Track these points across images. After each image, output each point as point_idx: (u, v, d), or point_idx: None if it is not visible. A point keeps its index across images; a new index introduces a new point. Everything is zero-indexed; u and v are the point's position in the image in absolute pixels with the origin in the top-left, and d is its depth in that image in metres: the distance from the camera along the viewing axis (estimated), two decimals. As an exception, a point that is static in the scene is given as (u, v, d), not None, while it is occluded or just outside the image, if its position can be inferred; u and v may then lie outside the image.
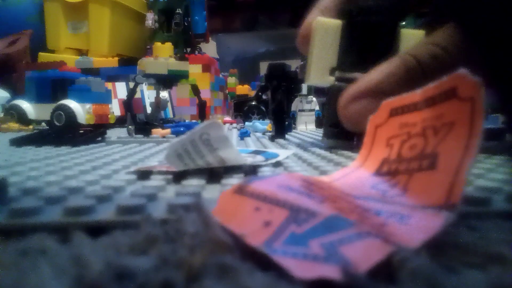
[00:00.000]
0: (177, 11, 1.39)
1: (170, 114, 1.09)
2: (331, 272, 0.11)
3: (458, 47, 0.24)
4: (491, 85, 0.11)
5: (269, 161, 0.29)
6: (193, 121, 0.83)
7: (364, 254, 0.12)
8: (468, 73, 0.17)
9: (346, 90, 0.30)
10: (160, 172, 0.24)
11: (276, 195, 0.16)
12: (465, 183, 0.15)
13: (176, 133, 0.54)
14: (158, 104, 0.77)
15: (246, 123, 0.82)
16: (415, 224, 0.14)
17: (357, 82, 0.30)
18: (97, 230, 0.14)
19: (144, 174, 0.25)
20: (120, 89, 1.00)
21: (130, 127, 0.57)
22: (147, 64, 0.70)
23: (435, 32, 0.27)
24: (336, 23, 0.29)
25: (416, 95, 0.20)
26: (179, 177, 0.23)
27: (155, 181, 0.22)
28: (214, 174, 0.24)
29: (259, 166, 0.27)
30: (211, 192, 0.21)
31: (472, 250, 0.13)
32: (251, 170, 0.27)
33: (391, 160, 0.20)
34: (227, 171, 0.25)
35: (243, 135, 0.57)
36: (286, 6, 1.90)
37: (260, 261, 0.12)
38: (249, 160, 0.29)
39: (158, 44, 0.76)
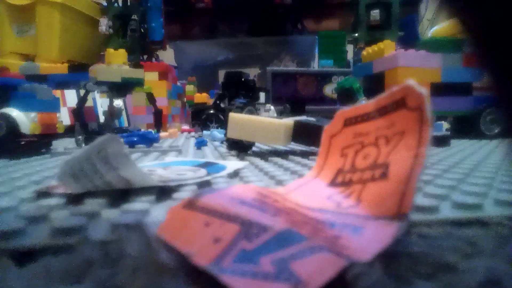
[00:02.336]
0: (133, 17, 1.35)
1: (125, 123, 1.05)
2: (281, 291, 0.10)
3: None
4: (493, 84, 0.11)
5: (206, 178, 0.26)
6: (149, 130, 0.80)
7: (316, 270, 0.11)
8: (415, 84, 0.18)
9: None
10: (59, 193, 0.21)
11: (227, 210, 0.15)
12: (415, 192, 0.15)
13: (130, 144, 0.52)
14: (112, 113, 0.74)
15: (204, 131, 0.81)
16: (368, 236, 0.14)
17: None
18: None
19: (43, 194, 0.21)
20: (70, 97, 0.95)
21: (79, 137, 0.53)
22: (99, 71, 0.67)
23: None
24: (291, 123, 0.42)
25: (369, 105, 0.20)
26: (78, 197, 0.20)
27: (54, 199, 0.19)
28: (116, 194, 0.21)
29: (184, 185, 0.24)
30: (110, 214, 0.18)
31: (423, 259, 0.13)
32: (168, 190, 0.23)
33: (346, 170, 0.20)
34: (138, 192, 0.22)
35: (200, 144, 0.55)
36: (244, 15, 1.92)
37: (208, 281, 0.11)
38: (189, 174, 0.27)
39: (111, 50, 0.73)
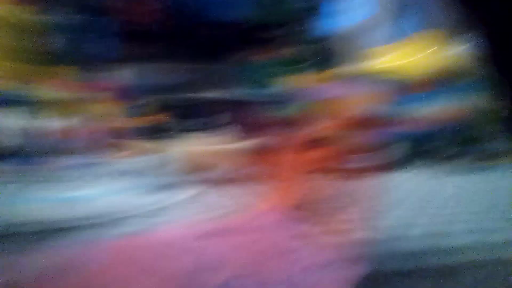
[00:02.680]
0: (86, 35, 1.31)
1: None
2: None
3: None
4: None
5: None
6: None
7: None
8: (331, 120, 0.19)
9: None
10: None
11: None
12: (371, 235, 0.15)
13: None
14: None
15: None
16: (330, 277, 0.14)
17: None
18: None
19: None
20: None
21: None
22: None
23: None
24: None
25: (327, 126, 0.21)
26: None
27: None
28: None
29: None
30: None
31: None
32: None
33: (303, 201, 0.21)
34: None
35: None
36: (198, 41, 1.93)
37: None
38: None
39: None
